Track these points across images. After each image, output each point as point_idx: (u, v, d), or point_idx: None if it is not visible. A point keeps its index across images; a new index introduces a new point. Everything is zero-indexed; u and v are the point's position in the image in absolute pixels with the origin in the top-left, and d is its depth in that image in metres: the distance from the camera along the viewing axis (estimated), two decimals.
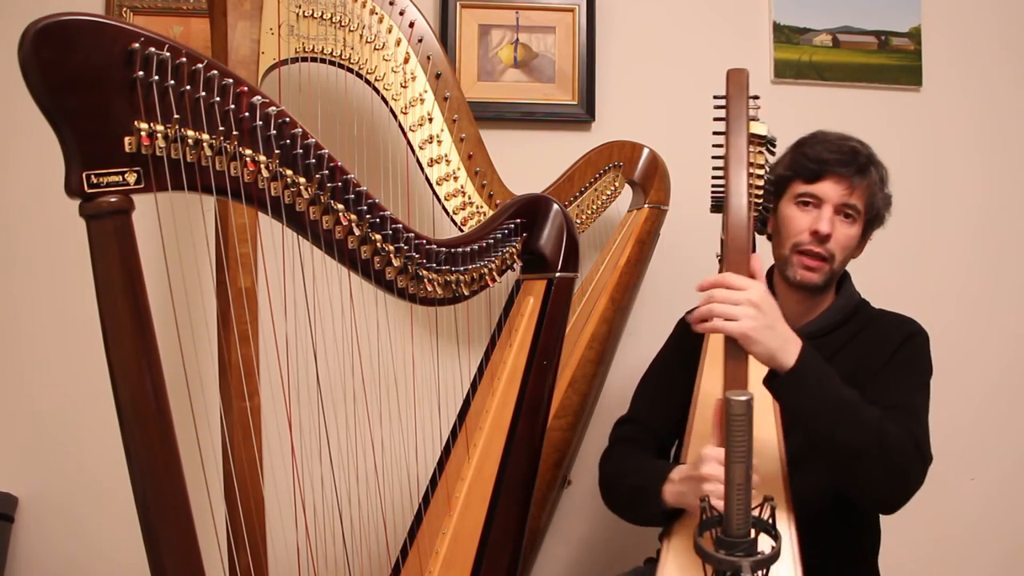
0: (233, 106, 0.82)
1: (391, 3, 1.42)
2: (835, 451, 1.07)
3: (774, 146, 1.20)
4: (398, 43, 1.43)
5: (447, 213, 1.51)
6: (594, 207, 1.71)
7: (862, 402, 1.08)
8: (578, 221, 1.66)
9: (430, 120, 1.47)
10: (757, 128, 1.07)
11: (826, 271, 1.27)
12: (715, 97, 1.07)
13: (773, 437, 1.12)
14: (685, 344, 1.40)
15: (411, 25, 1.44)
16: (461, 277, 1.12)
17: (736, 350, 0.97)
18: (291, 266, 1.08)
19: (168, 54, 0.75)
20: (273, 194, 0.89)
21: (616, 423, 1.43)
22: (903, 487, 1.12)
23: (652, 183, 1.73)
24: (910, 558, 1.89)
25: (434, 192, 1.49)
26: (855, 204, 1.27)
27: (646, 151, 1.74)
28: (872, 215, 1.30)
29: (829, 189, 1.25)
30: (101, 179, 0.72)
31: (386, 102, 1.44)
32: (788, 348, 1.01)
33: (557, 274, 1.24)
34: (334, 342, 1.26)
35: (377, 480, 1.25)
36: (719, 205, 1.26)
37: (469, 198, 1.51)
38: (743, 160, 0.95)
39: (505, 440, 1.16)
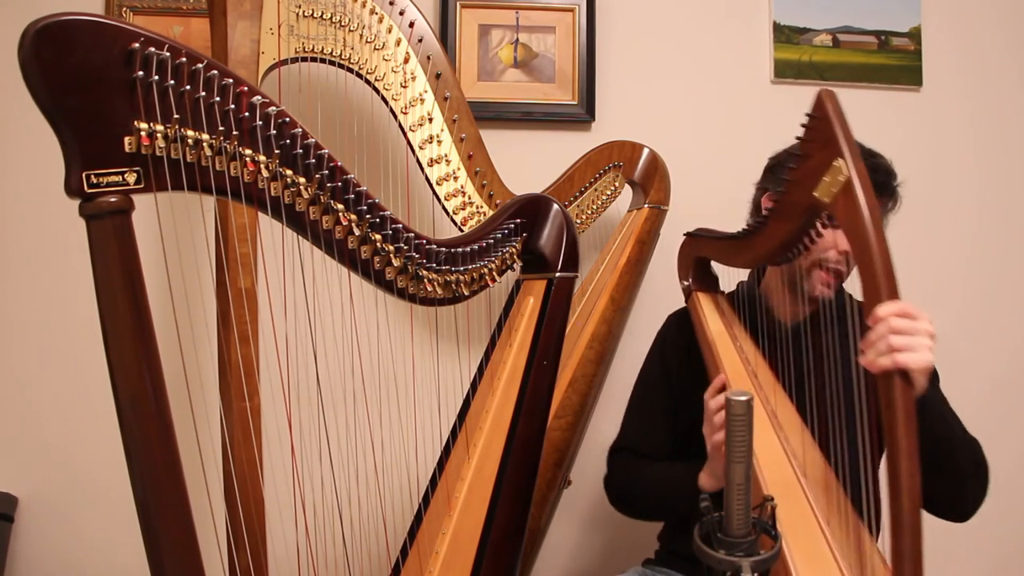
0: (233, 106, 0.82)
1: (391, 3, 1.42)
2: (945, 470, 1.09)
3: None
4: (398, 43, 1.43)
5: (447, 213, 1.51)
6: (594, 207, 1.71)
7: (958, 420, 1.11)
8: (578, 221, 1.67)
9: (430, 120, 1.47)
10: None
11: (838, 285, 1.27)
12: (807, 115, 1.00)
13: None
14: (668, 351, 1.42)
15: (411, 25, 1.44)
16: (461, 277, 1.12)
17: (906, 386, 0.86)
18: (291, 266, 1.08)
19: (168, 54, 0.75)
20: (273, 194, 0.88)
21: (611, 451, 1.45)
22: (984, 495, 1.18)
23: (652, 183, 1.73)
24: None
25: (434, 192, 1.49)
26: None
27: (646, 151, 1.74)
28: None
29: None
30: (101, 179, 0.72)
31: (386, 102, 1.44)
32: None
33: (557, 274, 1.24)
34: (334, 342, 1.26)
35: (377, 480, 1.25)
36: (759, 224, 1.13)
37: (469, 198, 1.51)
38: (868, 180, 0.89)
39: (505, 440, 1.15)
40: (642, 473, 1.37)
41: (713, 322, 1.33)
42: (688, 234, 1.40)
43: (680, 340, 1.41)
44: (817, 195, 0.95)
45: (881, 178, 1.24)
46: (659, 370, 1.42)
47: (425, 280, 1.07)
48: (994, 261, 2.06)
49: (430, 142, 1.47)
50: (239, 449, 1.21)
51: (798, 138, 1.00)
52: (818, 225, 1.01)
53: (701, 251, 1.38)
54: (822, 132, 0.95)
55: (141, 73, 0.74)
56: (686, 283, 1.42)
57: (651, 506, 1.38)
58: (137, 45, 0.73)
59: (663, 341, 1.45)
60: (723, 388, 1.17)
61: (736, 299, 1.42)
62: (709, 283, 1.42)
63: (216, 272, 1.29)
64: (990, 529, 2.05)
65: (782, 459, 1.09)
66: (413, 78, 1.45)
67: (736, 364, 1.24)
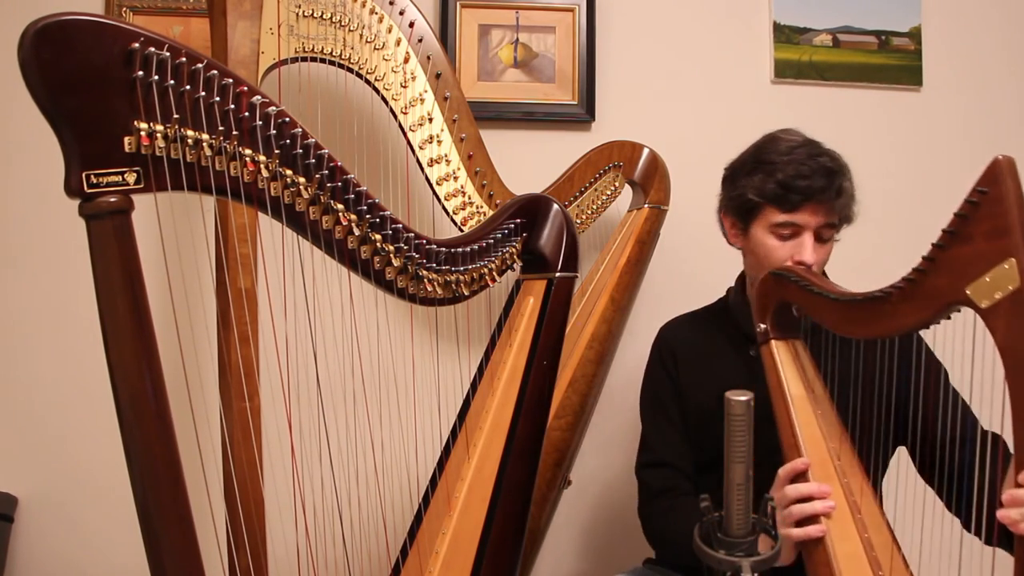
0: (233, 106, 0.82)
1: (391, 3, 1.42)
2: None
3: None
4: (398, 43, 1.43)
5: (447, 213, 1.51)
6: (594, 207, 1.71)
7: None
8: (578, 221, 1.67)
9: (430, 120, 1.47)
10: None
11: None
12: (975, 188, 0.82)
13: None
14: (668, 364, 1.41)
15: (411, 25, 1.44)
16: (461, 277, 1.12)
17: None
18: (291, 266, 1.08)
19: (168, 54, 0.75)
20: (273, 194, 0.88)
21: (641, 466, 1.41)
22: None
23: (652, 183, 1.73)
24: (910, 557, 1.88)
25: (434, 192, 1.49)
26: (833, 222, 1.24)
27: (646, 151, 1.74)
28: (845, 222, 1.28)
29: (809, 217, 1.21)
30: (101, 179, 0.72)
31: (386, 102, 1.44)
32: None
33: (557, 274, 1.24)
34: (334, 342, 1.26)
35: (377, 480, 1.25)
36: (880, 298, 0.96)
37: (469, 198, 1.51)
38: None
39: (505, 440, 1.15)
40: (685, 521, 1.29)
41: (795, 384, 1.14)
42: (774, 273, 1.17)
43: (676, 350, 1.41)
44: (970, 293, 0.80)
45: (819, 183, 1.19)
46: (666, 381, 1.40)
47: (425, 280, 1.07)
48: None
49: (430, 142, 1.47)
50: (239, 449, 1.21)
51: (956, 214, 0.82)
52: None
53: (788, 297, 1.15)
54: (993, 216, 0.78)
55: (141, 73, 0.74)
56: (763, 326, 1.20)
57: (689, 560, 1.37)
58: (137, 45, 0.73)
59: (660, 355, 1.43)
60: (803, 474, 1.06)
61: (729, 310, 1.40)
62: (790, 329, 1.20)
63: (216, 272, 1.29)
64: None
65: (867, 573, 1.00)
66: (413, 78, 1.45)
67: (819, 445, 1.09)
